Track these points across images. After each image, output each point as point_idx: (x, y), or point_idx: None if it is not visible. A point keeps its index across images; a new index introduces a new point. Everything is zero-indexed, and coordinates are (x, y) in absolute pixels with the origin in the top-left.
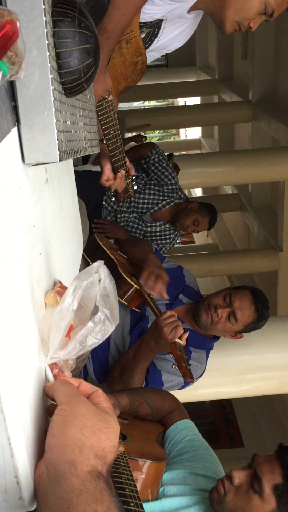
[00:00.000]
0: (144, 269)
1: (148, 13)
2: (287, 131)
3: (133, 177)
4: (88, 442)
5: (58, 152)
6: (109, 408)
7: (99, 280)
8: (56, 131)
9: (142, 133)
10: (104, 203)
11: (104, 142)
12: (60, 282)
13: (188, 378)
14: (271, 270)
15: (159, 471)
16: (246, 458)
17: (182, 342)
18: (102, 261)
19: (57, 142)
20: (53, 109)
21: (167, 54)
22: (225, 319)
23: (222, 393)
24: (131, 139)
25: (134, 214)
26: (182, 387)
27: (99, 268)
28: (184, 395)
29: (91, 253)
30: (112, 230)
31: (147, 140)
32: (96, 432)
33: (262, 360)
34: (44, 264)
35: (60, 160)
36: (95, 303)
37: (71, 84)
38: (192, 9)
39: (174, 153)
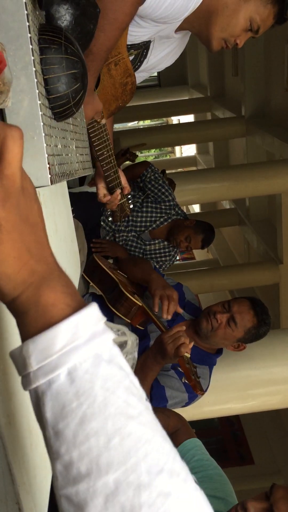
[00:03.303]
0: (152, 294)
1: (134, 35)
2: (281, 145)
3: (129, 196)
4: None
5: (49, 176)
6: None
7: None
8: (46, 155)
9: (138, 153)
10: (102, 223)
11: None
12: None
13: (198, 391)
14: (272, 283)
15: None
16: (257, 476)
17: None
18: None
19: (48, 166)
20: (43, 134)
21: (159, 74)
22: (225, 324)
23: (228, 410)
24: (121, 155)
25: (132, 233)
26: (187, 404)
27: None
28: (190, 413)
29: (90, 273)
30: (110, 249)
31: (143, 159)
32: None
33: (267, 374)
34: None
35: (51, 184)
36: None
37: (60, 109)
38: (179, 29)
39: (171, 171)
